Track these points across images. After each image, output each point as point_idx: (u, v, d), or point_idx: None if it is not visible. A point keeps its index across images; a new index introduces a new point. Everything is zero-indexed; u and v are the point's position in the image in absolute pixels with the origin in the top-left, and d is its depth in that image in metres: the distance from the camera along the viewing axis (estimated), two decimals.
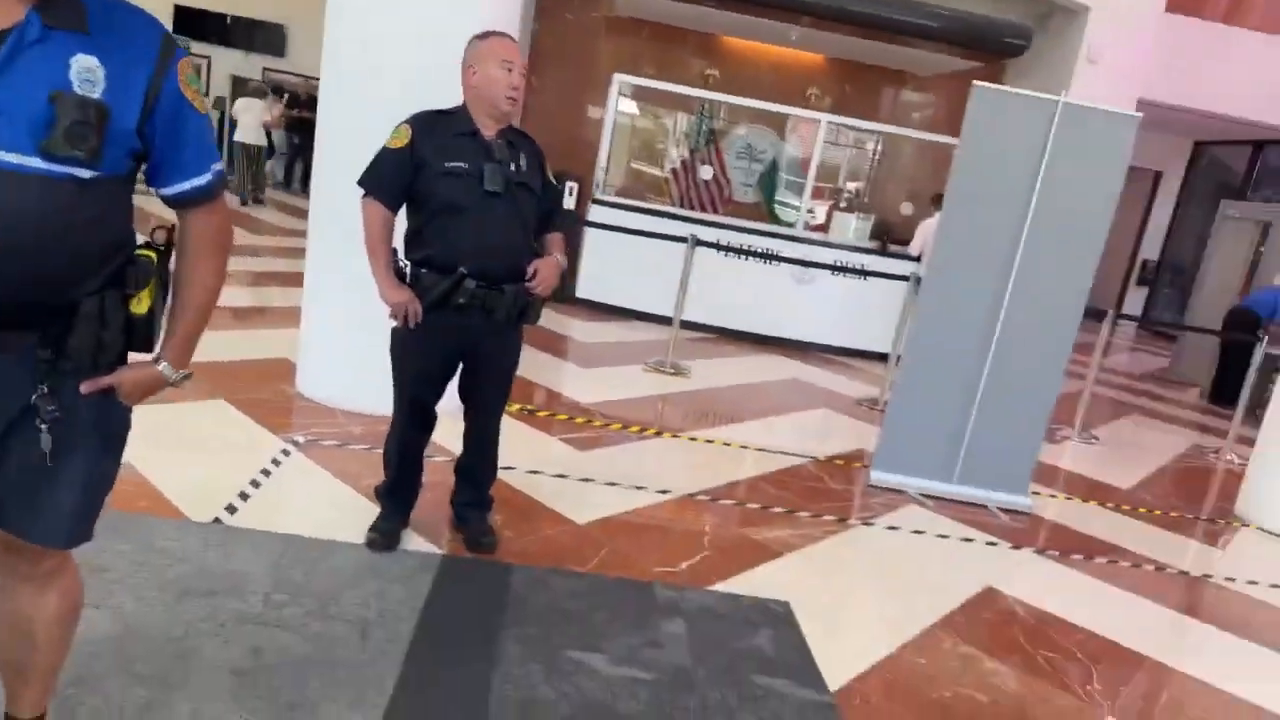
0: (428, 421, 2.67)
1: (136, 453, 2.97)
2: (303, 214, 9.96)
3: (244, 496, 2.87)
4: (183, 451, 3.12)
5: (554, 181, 2.69)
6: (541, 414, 4.39)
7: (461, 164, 2.37)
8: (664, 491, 3.57)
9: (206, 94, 12.64)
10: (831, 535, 3.46)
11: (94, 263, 1.26)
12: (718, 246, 6.33)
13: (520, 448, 3.68)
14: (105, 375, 1.33)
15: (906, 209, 8.85)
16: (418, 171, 2.37)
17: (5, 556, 1.41)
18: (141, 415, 1.42)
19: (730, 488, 3.80)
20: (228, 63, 12.76)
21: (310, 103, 12.09)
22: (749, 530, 3.35)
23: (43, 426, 1.27)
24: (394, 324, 2.49)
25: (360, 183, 2.43)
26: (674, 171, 8.84)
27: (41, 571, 1.43)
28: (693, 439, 4.43)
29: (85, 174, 1.20)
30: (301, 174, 12.65)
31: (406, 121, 2.42)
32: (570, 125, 8.92)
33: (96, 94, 1.19)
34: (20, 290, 1.19)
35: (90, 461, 1.36)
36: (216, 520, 2.67)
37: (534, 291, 2.50)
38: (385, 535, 2.66)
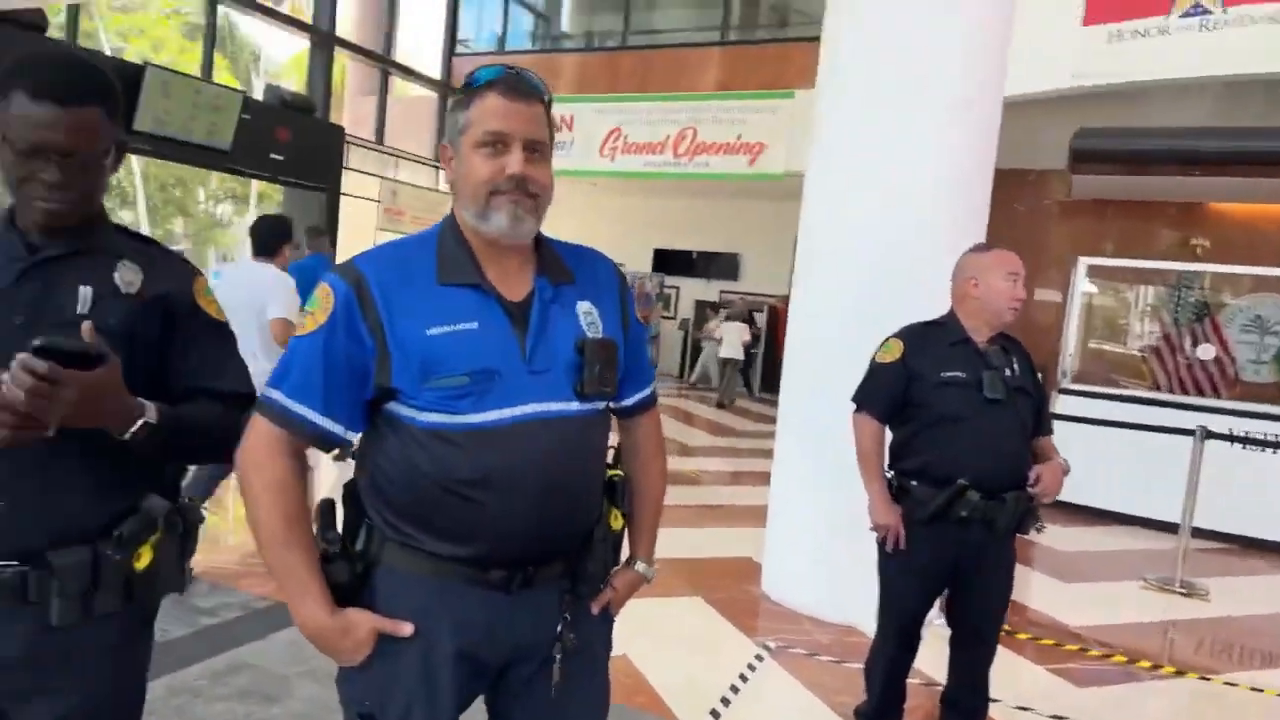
0: (915, 642, 2.51)
1: (632, 647, 3.26)
2: (755, 416, 10.74)
3: (725, 702, 2.94)
4: (669, 647, 3.33)
5: (1040, 382, 2.52)
6: (1020, 635, 3.87)
7: (959, 373, 2.34)
8: None
9: (674, 316, 14.69)
10: None
11: (602, 488, 1.36)
12: (1236, 439, 5.27)
13: (1001, 675, 3.22)
14: (604, 591, 1.37)
15: None
16: (910, 383, 2.39)
17: None
18: (633, 610, 1.47)
19: None
20: (693, 290, 14.73)
21: (751, 318, 13.17)
22: None
23: (557, 657, 1.28)
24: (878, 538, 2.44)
25: (854, 398, 2.51)
26: (1155, 351, 7.77)
27: None
28: (1230, 684, 3.52)
29: (602, 405, 1.30)
30: (745, 381, 13.60)
31: (896, 336, 2.47)
32: (1024, 312, 8.46)
33: (601, 333, 1.28)
34: (567, 525, 1.27)
35: (604, 679, 1.40)
36: None
37: (1039, 500, 2.30)
38: None
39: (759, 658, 3.34)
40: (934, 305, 2.55)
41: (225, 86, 9.23)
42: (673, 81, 11.75)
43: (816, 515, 3.77)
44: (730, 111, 11.18)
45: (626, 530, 1.43)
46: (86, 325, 1.13)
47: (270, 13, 10.48)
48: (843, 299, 3.71)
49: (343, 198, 10.32)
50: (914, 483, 2.36)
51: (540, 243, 1.31)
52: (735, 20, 12.51)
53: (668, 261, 14.76)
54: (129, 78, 7.99)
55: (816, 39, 4.13)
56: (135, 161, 17.22)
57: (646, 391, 1.46)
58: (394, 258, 1.24)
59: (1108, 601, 4.53)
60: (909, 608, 2.46)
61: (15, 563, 1.18)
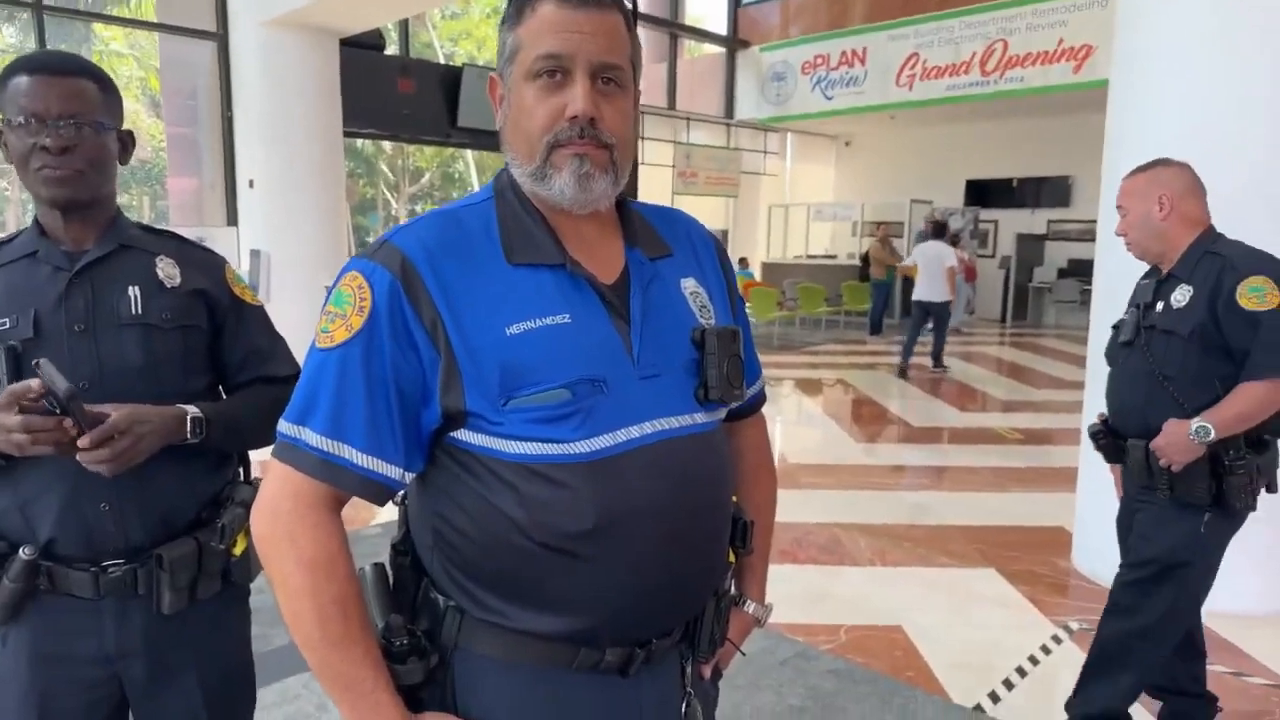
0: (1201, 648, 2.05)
1: (907, 615, 3.07)
2: (1070, 358, 9.45)
3: (1009, 685, 2.66)
4: (950, 622, 3.08)
5: None
6: None
7: None
8: None
9: (993, 254, 13.38)
10: None
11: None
12: None
13: None
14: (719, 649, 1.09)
15: None
16: None
17: None
18: (915, 576, 1.23)
19: None
20: (1014, 222, 13.30)
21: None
22: None
23: None
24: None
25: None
26: None
27: None
28: None
29: (723, 413, 1.03)
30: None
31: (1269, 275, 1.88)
32: None
33: (714, 319, 1.02)
34: (701, 579, 1.01)
35: None
36: (978, 707, 2.52)
37: None
38: None
39: (1056, 639, 2.97)
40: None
41: None
42: None
43: None
44: (1046, 15, 9.85)
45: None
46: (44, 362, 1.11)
47: None
48: None
49: (640, 166, 10.79)
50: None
51: (621, 204, 1.03)
52: None
53: (982, 193, 13.49)
54: (451, 80, 9.00)
55: None
56: (470, 155, 19.51)
57: (757, 388, 1.15)
58: (445, 230, 0.94)
59: None
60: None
61: (122, 561, 1.25)
